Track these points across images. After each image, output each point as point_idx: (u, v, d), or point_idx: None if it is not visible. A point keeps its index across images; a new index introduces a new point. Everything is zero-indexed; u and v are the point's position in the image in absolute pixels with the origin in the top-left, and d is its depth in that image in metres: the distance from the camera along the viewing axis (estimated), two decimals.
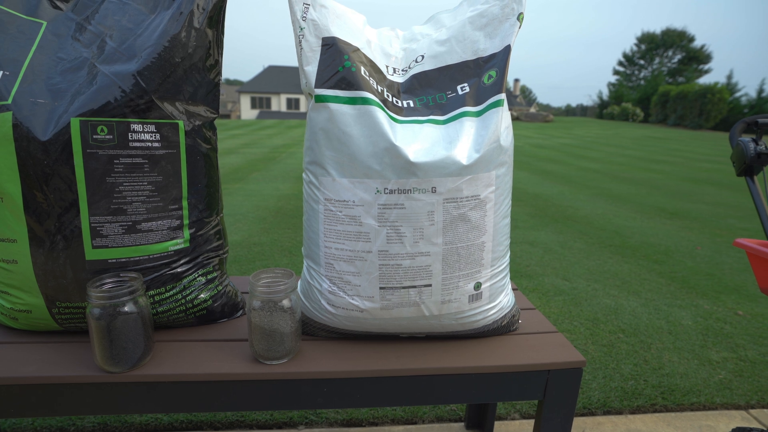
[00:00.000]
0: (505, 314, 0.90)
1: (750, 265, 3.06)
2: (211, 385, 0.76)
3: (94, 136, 0.73)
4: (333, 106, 0.75)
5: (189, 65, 0.81)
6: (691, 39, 56.75)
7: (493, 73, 0.81)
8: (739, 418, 1.51)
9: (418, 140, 0.75)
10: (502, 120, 0.78)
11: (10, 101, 0.71)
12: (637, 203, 5.02)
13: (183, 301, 0.87)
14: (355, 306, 0.80)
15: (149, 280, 0.82)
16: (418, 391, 0.81)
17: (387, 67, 0.88)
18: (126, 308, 0.72)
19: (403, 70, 0.89)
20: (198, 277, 0.89)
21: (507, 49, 0.81)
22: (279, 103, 42.51)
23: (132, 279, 0.77)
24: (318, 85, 0.76)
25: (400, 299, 0.79)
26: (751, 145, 1.02)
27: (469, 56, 0.84)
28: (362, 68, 0.78)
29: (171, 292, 0.85)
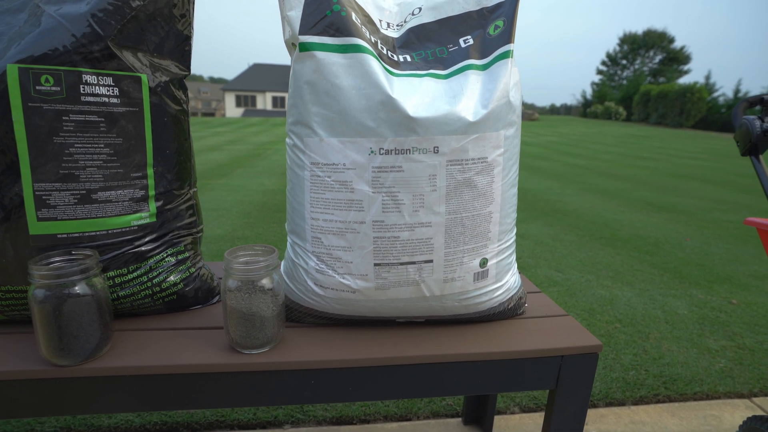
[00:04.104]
0: (512, 296, 0.82)
1: (742, 255, 3.06)
2: (181, 378, 0.66)
3: (38, 87, 0.62)
4: (320, 54, 0.65)
5: (153, 10, 0.70)
6: (671, 40, 57.93)
7: (500, 23, 0.72)
8: (743, 407, 1.46)
9: (418, 94, 0.66)
10: (511, 74, 0.69)
11: None
12: (625, 198, 5.02)
13: (149, 284, 0.76)
14: (346, 286, 0.70)
15: (108, 260, 0.71)
16: (418, 381, 0.72)
17: (380, 21, 0.79)
18: (77, 289, 0.61)
19: (398, 25, 0.80)
20: (167, 257, 0.78)
21: None
22: (264, 101, 41.99)
23: (85, 257, 0.66)
24: (303, 31, 0.67)
25: (397, 277, 0.70)
26: (757, 123, 0.99)
27: (472, 6, 0.75)
28: (353, 14, 0.69)
29: (134, 274, 0.74)
